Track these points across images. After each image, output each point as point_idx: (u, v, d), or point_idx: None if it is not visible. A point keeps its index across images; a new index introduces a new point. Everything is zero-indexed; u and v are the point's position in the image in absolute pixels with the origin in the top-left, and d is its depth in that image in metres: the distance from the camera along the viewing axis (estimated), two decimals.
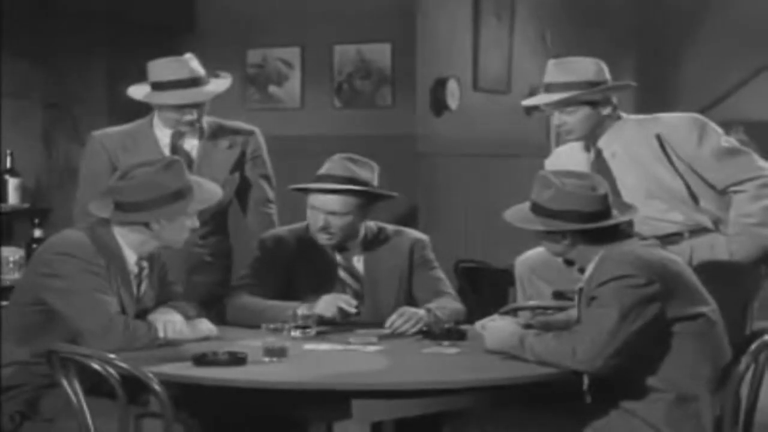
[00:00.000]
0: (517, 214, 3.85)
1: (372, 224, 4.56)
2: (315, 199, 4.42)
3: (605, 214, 3.72)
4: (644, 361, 3.57)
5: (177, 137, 4.77)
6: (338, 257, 4.50)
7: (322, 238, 4.44)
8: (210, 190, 4.10)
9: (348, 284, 4.50)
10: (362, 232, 4.51)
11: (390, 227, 4.60)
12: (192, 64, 4.69)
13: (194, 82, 4.67)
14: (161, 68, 4.67)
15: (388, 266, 4.52)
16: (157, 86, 4.67)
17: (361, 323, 4.28)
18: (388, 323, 4.22)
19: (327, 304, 4.23)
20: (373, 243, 4.52)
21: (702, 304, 3.64)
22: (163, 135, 4.78)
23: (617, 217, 3.75)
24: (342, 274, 4.51)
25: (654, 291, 3.55)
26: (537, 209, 3.77)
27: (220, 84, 4.79)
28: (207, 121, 4.82)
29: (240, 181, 4.89)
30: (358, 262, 4.52)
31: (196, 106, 4.68)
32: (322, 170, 4.45)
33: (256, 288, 4.44)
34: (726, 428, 3.57)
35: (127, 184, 3.93)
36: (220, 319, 4.32)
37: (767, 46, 9.03)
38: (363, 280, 4.50)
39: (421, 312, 4.26)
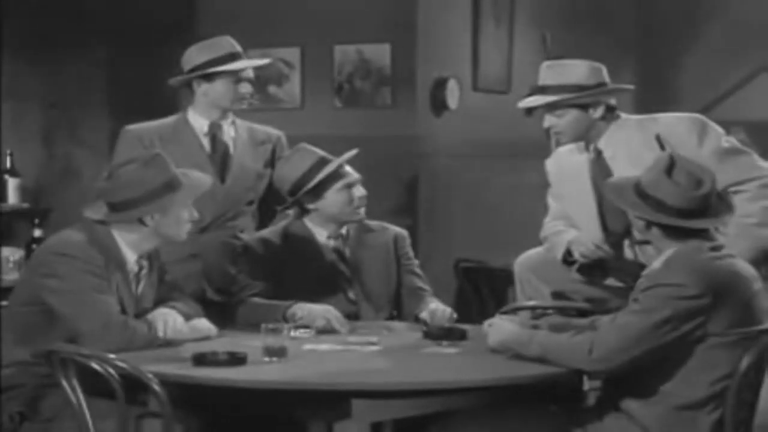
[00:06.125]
0: (620, 181, 3.82)
1: None
2: (349, 176, 4.55)
3: (690, 213, 3.58)
4: (655, 366, 3.51)
5: (215, 128, 4.81)
6: (333, 243, 4.57)
7: (361, 212, 4.56)
8: (198, 178, 4.11)
9: (341, 271, 4.56)
10: None
11: (371, 221, 4.68)
12: None
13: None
14: (219, 45, 4.78)
15: (374, 254, 4.62)
16: (223, 60, 4.73)
17: (354, 315, 4.41)
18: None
19: (317, 317, 4.27)
20: (357, 233, 4.62)
21: (748, 326, 3.50)
22: (201, 126, 4.82)
23: (702, 221, 3.61)
24: (334, 257, 4.57)
25: (702, 305, 3.44)
26: (636, 185, 3.69)
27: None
28: (237, 121, 4.89)
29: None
30: (347, 250, 4.60)
31: (250, 80, 4.82)
32: (321, 155, 4.58)
33: (261, 289, 4.48)
34: (726, 428, 3.55)
35: (113, 184, 3.95)
36: (220, 319, 4.32)
37: (767, 46, 9.02)
38: (353, 267, 4.57)
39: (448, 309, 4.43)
